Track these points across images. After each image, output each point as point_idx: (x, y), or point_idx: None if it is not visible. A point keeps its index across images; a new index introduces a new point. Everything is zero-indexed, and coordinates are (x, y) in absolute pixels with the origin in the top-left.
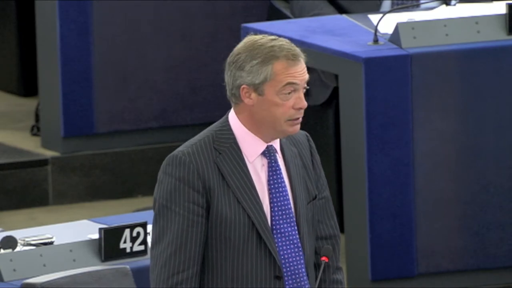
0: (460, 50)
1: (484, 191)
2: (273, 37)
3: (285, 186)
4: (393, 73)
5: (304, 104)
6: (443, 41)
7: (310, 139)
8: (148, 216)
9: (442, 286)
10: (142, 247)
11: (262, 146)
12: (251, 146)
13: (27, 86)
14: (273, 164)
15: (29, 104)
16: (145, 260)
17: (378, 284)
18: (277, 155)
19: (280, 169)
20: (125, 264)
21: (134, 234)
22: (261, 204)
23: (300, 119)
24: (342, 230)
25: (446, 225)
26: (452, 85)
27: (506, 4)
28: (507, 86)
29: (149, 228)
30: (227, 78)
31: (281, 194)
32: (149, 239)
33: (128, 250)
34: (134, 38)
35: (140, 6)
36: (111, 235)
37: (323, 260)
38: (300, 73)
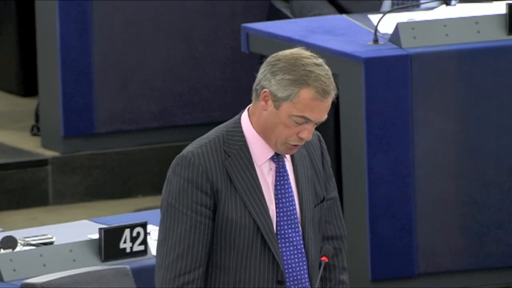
0: (460, 50)
1: (484, 191)
2: (319, 61)
3: (291, 192)
4: (393, 73)
5: (309, 138)
6: (443, 41)
7: (322, 139)
8: (148, 216)
9: (442, 286)
10: (142, 247)
11: (271, 151)
12: (260, 150)
13: (27, 86)
14: (281, 169)
15: (29, 104)
16: (145, 260)
17: (378, 284)
18: (285, 159)
19: (287, 174)
20: (125, 264)
21: (134, 234)
22: (267, 208)
23: (298, 147)
24: None
25: (446, 225)
26: (452, 85)
27: (506, 4)
28: (507, 86)
29: (149, 228)
30: (260, 73)
31: (287, 199)
32: (149, 239)
33: (128, 250)
34: (134, 38)
35: (140, 6)
36: (111, 235)
37: (323, 260)
38: (321, 111)
